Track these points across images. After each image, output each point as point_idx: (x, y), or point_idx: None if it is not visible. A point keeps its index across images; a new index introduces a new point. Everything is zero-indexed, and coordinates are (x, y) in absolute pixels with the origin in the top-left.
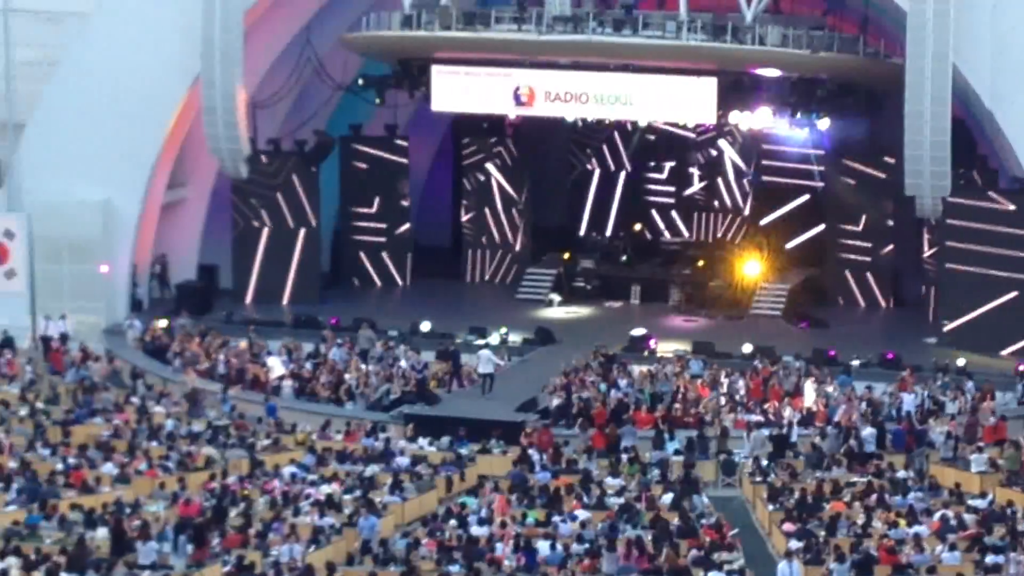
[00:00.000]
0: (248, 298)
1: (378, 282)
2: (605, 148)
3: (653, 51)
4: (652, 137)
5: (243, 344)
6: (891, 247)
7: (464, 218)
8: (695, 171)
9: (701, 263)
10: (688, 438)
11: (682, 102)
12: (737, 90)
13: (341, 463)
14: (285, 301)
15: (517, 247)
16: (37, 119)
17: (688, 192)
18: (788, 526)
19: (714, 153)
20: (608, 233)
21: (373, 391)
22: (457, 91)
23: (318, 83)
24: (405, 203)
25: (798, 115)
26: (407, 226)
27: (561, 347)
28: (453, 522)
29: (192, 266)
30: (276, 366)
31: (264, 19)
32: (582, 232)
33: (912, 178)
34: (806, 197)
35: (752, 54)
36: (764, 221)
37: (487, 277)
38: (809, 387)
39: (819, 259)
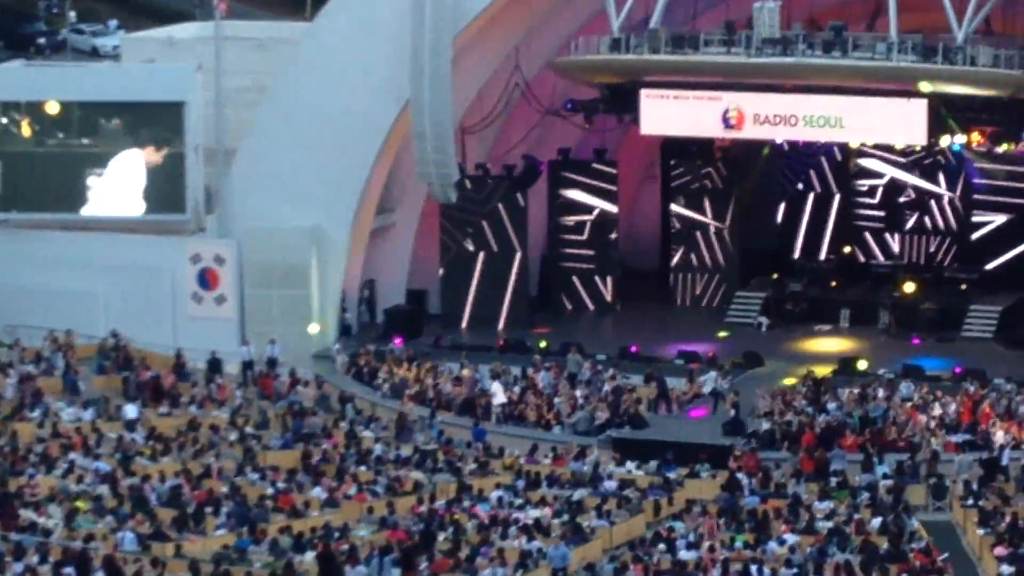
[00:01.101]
0: (464, 323)
1: (590, 305)
2: (814, 171)
3: (863, 73)
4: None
5: (466, 372)
6: None
7: (672, 241)
8: (906, 194)
9: (911, 286)
10: (898, 462)
11: (892, 124)
12: (948, 111)
13: (549, 487)
14: (500, 325)
15: (725, 270)
16: (247, 146)
17: (898, 214)
18: (1000, 550)
19: (924, 175)
20: (818, 256)
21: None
22: (666, 114)
23: (526, 107)
24: (613, 235)
25: (1010, 135)
26: (615, 250)
27: (770, 370)
28: (661, 546)
29: (401, 291)
30: (499, 392)
31: (473, 44)
32: (794, 255)
33: None
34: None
35: (963, 75)
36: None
37: (695, 300)
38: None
39: None
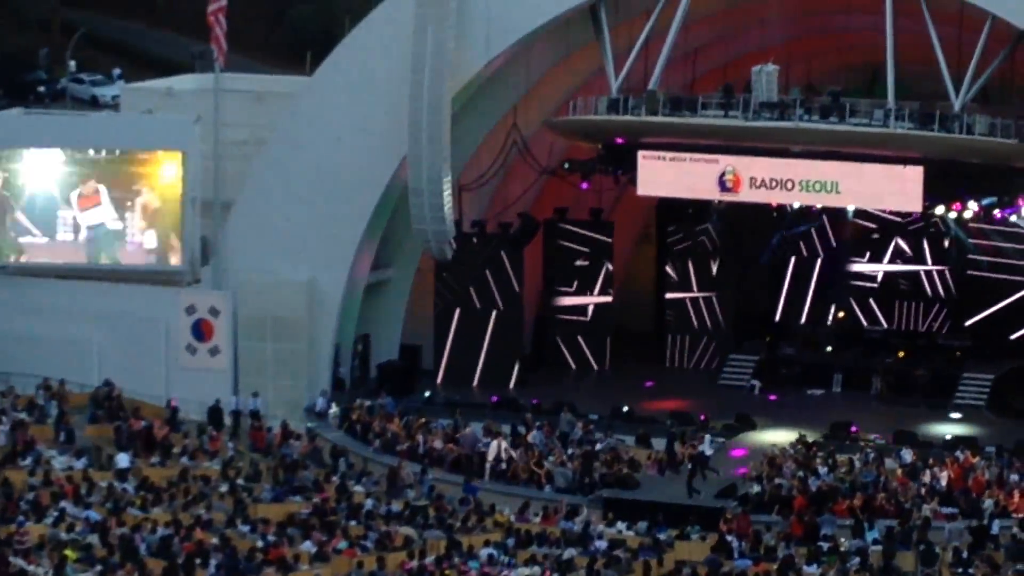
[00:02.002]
0: (440, 378)
1: (581, 364)
2: (807, 237)
3: (860, 139)
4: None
5: (468, 430)
6: None
7: (667, 302)
8: (899, 261)
9: (902, 353)
10: (888, 527)
11: (888, 190)
12: (944, 179)
13: (539, 546)
14: (475, 383)
15: (719, 332)
16: (244, 198)
17: (892, 280)
18: None
19: (919, 242)
20: (807, 320)
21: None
22: (663, 176)
23: (524, 166)
24: (609, 297)
25: (1003, 204)
26: (609, 310)
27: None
28: None
29: (395, 346)
30: (493, 449)
31: (471, 102)
32: (780, 317)
33: None
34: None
35: (960, 143)
36: (973, 320)
37: (689, 362)
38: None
39: None
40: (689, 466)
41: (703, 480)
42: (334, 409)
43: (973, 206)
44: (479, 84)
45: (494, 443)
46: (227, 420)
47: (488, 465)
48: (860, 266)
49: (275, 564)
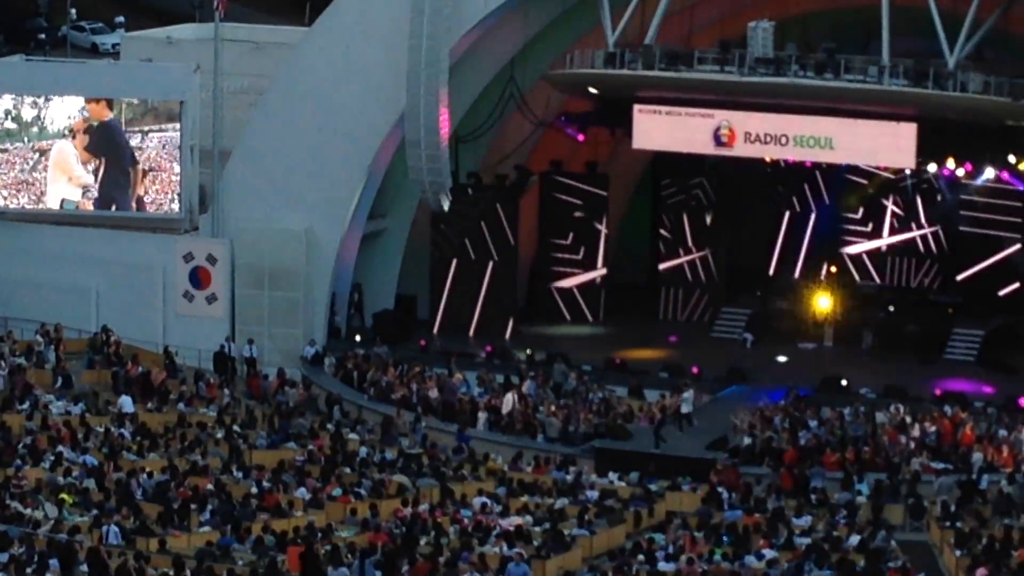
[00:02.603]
0: (436, 328)
1: (576, 317)
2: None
3: (854, 95)
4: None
5: (457, 376)
6: None
7: (660, 255)
8: (891, 215)
9: (892, 308)
10: (877, 481)
11: (881, 147)
12: (938, 136)
13: (531, 495)
14: (471, 333)
15: (713, 285)
16: (242, 147)
17: (884, 236)
18: (982, 571)
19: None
20: (799, 275)
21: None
22: (658, 130)
23: (520, 118)
24: (602, 246)
25: (997, 163)
26: (602, 263)
27: (753, 387)
28: (641, 557)
29: (390, 296)
30: (508, 402)
31: (469, 54)
32: (773, 272)
33: None
34: (1013, 248)
35: (954, 100)
36: (963, 276)
37: (681, 315)
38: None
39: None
40: (659, 416)
41: (679, 431)
42: (330, 360)
43: (965, 164)
44: (477, 36)
45: (509, 395)
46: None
47: (503, 418)
48: (852, 219)
49: (270, 510)
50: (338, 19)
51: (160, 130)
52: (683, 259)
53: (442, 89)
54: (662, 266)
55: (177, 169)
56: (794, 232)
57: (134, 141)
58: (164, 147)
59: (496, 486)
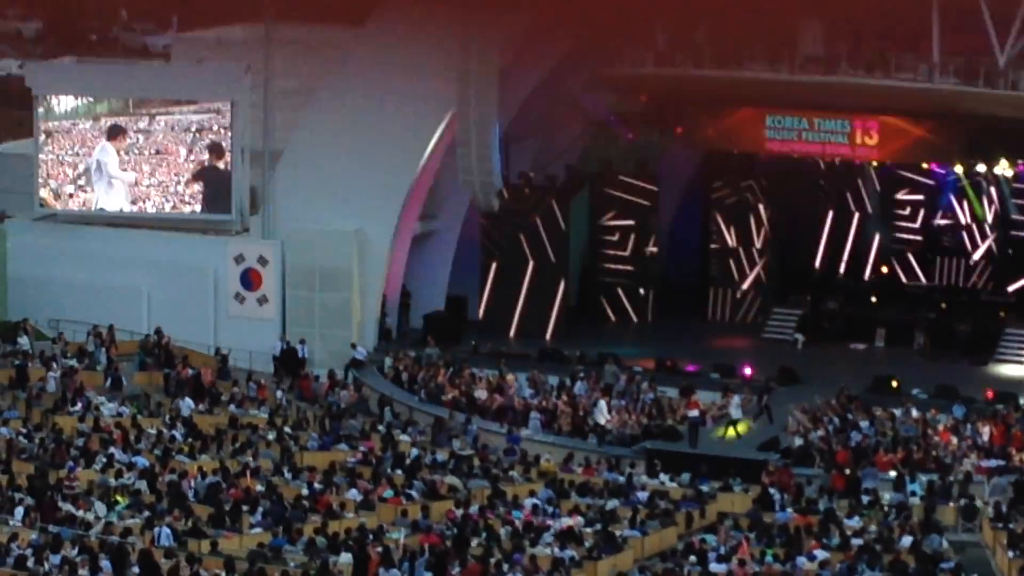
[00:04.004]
0: (512, 332)
1: (634, 318)
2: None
3: (904, 94)
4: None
5: (509, 378)
6: None
7: (711, 256)
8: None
9: (943, 305)
10: (929, 482)
11: (931, 146)
12: (987, 136)
13: (582, 496)
14: (548, 336)
15: (763, 286)
16: (293, 148)
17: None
18: None
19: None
20: (853, 274)
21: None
22: (708, 129)
23: (571, 119)
24: (654, 247)
25: None
26: (655, 263)
27: (805, 387)
28: (692, 558)
29: (441, 297)
30: (603, 411)
31: (520, 54)
32: (826, 272)
33: None
34: None
35: (1004, 99)
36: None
37: (731, 316)
38: None
39: None
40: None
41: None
42: (388, 360)
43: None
44: (529, 36)
45: (602, 402)
46: (273, 366)
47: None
48: (903, 218)
49: (321, 512)
50: (389, 19)
51: (167, 113)
52: (732, 260)
53: (492, 89)
54: (711, 267)
55: (184, 153)
56: (843, 232)
57: (141, 124)
58: (172, 130)
59: (547, 487)
